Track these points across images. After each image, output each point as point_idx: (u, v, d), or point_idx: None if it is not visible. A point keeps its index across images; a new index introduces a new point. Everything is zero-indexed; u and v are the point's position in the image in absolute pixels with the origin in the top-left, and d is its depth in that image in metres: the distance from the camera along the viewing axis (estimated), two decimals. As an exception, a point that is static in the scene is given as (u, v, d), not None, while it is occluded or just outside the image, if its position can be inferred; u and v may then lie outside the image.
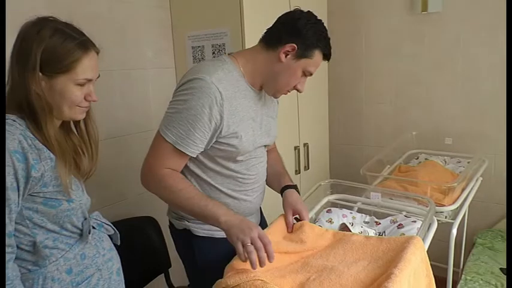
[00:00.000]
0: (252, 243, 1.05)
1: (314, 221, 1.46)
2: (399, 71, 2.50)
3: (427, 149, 2.38)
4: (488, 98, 2.25)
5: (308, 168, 2.39)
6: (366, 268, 1.10)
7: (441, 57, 2.36)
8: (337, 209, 1.52)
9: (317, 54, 1.22)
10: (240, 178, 1.30)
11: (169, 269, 1.89)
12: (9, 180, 0.88)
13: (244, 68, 1.23)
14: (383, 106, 2.59)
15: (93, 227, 1.11)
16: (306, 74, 1.24)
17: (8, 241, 0.90)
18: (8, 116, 0.94)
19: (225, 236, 1.20)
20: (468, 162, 2.09)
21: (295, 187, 1.37)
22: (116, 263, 1.17)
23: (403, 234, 1.30)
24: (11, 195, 0.89)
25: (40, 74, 0.94)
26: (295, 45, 1.18)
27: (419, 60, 2.43)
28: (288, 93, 1.30)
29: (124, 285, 1.21)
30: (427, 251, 1.20)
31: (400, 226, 1.35)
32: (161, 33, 2.09)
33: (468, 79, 2.30)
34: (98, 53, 1.03)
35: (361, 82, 2.61)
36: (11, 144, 0.89)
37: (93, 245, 1.09)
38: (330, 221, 1.43)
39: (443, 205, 1.70)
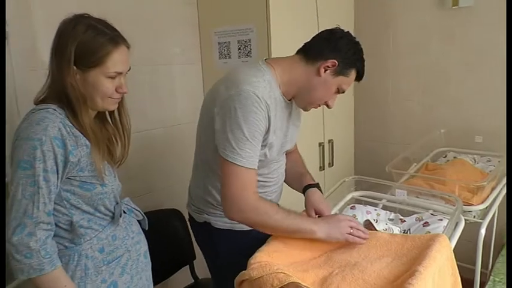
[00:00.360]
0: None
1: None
2: (427, 68, 2.45)
3: (456, 147, 2.32)
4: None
5: (332, 165, 2.38)
6: (390, 265, 1.09)
7: (471, 54, 2.29)
8: (361, 205, 1.51)
9: (353, 73, 1.26)
10: (262, 182, 1.32)
11: (193, 261, 1.93)
12: (50, 164, 0.96)
13: (280, 78, 1.23)
14: (410, 103, 2.54)
15: (124, 212, 1.18)
16: (339, 91, 1.27)
17: (47, 219, 0.98)
18: (49, 105, 1.02)
19: (245, 229, 1.26)
20: (499, 161, 2.03)
21: (317, 186, 1.39)
22: (144, 246, 1.24)
23: (429, 232, 1.28)
24: (51, 177, 0.97)
25: (74, 67, 1.00)
26: (336, 62, 1.20)
27: (448, 57, 2.36)
28: (318, 107, 1.33)
29: (151, 268, 1.28)
30: (454, 251, 1.18)
31: (425, 224, 1.33)
32: (188, 30, 2.12)
33: (499, 76, 2.23)
34: (128, 47, 1.08)
35: (388, 78, 2.57)
36: (51, 131, 0.97)
37: (124, 227, 1.16)
38: (354, 218, 1.42)
39: (472, 204, 1.66)
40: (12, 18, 1.38)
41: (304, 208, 1.34)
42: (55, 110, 1.01)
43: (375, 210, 1.49)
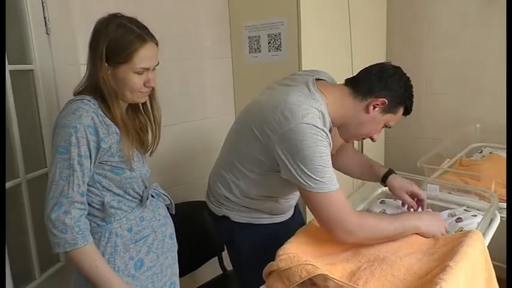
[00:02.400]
0: None
1: (367, 211, 1.45)
2: (463, 60, 2.37)
3: (492, 142, 2.24)
4: None
5: (362, 160, 2.35)
6: (420, 260, 1.08)
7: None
8: (391, 200, 1.50)
9: (401, 110, 1.26)
10: (288, 191, 1.36)
11: (222, 253, 1.97)
12: (83, 149, 1.06)
13: (330, 107, 1.21)
14: (444, 97, 2.47)
15: (152, 196, 1.26)
16: (386, 126, 1.28)
17: (81, 199, 1.08)
18: (84, 97, 1.11)
19: (262, 222, 1.33)
20: (539, 157, 1.94)
21: (393, 172, 1.43)
22: (170, 229, 1.32)
23: (462, 228, 1.25)
24: (84, 161, 1.07)
25: (106, 64, 1.09)
26: (386, 101, 1.20)
27: (485, 48, 2.28)
28: (361, 140, 1.33)
29: (176, 250, 1.36)
30: (490, 250, 1.15)
31: (458, 220, 1.30)
32: (219, 24, 2.14)
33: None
34: (157, 44, 1.15)
35: (422, 71, 2.50)
36: (85, 120, 1.06)
37: (151, 210, 1.25)
38: (384, 212, 1.41)
39: (508, 201, 1.60)
40: (53, 16, 1.45)
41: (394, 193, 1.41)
42: (89, 101, 1.10)
43: (405, 205, 1.46)
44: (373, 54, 2.35)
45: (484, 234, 1.18)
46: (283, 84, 1.28)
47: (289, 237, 1.19)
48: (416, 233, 1.19)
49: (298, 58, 1.92)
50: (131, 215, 1.19)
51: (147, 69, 1.13)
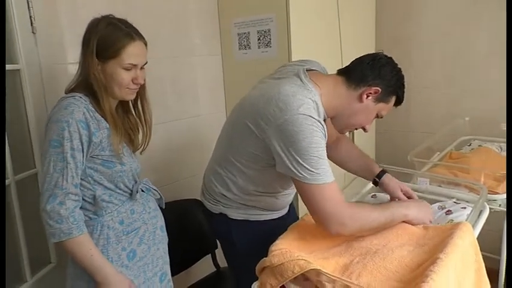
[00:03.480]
0: None
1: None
2: (451, 56, 2.39)
3: (480, 135, 2.27)
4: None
5: (353, 155, 2.36)
6: (411, 253, 1.09)
7: (497, 40, 2.22)
8: (382, 194, 1.51)
9: (393, 100, 1.28)
10: (286, 185, 1.35)
11: (215, 250, 1.97)
12: (76, 143, 1.10)
13: (324, 98, 1.21)
14: (433, 91, 2.49)
15: (142, 190, 1.32)
16: (378, 116, 1.29)
17: (75, 190, 1.12)
18: (75, 94, 1.16)
19: (260, 219, 1.33)
20: (526, 149, 1.97)
21: (386, 171, 1.45)
22: (160, 221, 1.38)
23: (452, 220, 1.27)
24: (77, 155, 1.11)
25: (96, 59, 1.15)
26: (380, 89, 1.21)
27: (473, 42, 2.30)
28: (355, 130, 1.36)
29: (167, 242, 1.41)
30: (479, 241, 1.16)
31: (448, 212, 1.32)
32: (208, 21, 2.13)
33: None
34: (145, 43, 1.20)
35: (411, 66, 2.52)
36: (77, 114, 1.11)
37: (141, 203, 1.30)
38: (375, 206, 1.42)
39: (497, 193, 1.62)
40: (39, 15, 1.43)
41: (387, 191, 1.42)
42: (80, 97, 1.15)
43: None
44: (363, 49, 2.34)
45: (473, 226, 1.19)
46: (275, 78, 1.28)
47: (285, 233, 1.19)
48: (404, 221, 1.22)
49: (288, 54, 1.92)
50: (122, 208, 1.24)
51: (135, 65, 1.17)
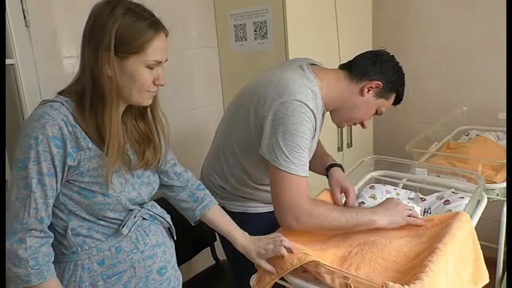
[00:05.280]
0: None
1: (357, 197, 1.46)
2: (449, 44, 2.38)
3: (478, 124, 2.26)
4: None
5: (351, 146, 2.36)
6: (410, 243, 1.09)
7: (494, 29, 2.21)
8: (380, 185, 1.51)
9: (393, 97, 1.28)
10: None
11: (214, 243, 1.97)
12: (46, 166, 0.87)
13: (324, 90, 1.22)
14: (431, 81, 2.49)
15: (144, 218, 1.04)
16: (377, 112, 1.30)
17: (39, 226, 0.89)
18: (57, 99, 0.92)
19: (258, 211, 1.32)
20: (524, 138, 1.97)
21: (340, 166, 1.39)
22: (159, 262, 1.06)
23: (450, 210, 1.27)
24: (47, 180, 0.88)
25: (114, 55, 0.90)
26: (381, 84, 1.22)
27: (471, 32, 2.29)
28: (353, 126, 1.35)
29: (172, 284, 1.11)
30: (478, 230, 1.16)
31: (446, 202, 1.32)
32: (204, 13, 2.11)
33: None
34: (167, 35, 0.98)
35: (409, 56, 2.50)
36: (50, 129, 0.87)
37: (133, 239, 1.01)
38: (373, 197, 1.42)
39: (495, 182, 1.63)
40: (32, 8, 1.41)
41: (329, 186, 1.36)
42: (62, 104, 0.91)
43: (395, 189, 1.48)
44: (360, 40, 2.35)
45: (471, 216, 1.20)
46: (277, 68, 1.29)
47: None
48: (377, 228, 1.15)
49: (285, 45, 1.91)
50: (104, 244, 0.97)
51: (159, 63, 0.96)
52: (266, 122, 1.13)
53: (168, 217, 1.11)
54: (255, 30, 2.01)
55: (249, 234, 1.22)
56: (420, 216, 1.23)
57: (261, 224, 1.29)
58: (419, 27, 2.47)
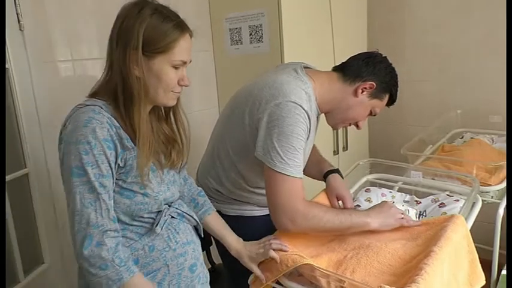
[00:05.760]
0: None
1: (353, 200, 1.46)
2: (443, 47, 2.40)
3: (473, 127, 2.28)
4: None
5: (347, 149, 2.37)
6: (405, 246, 1.10)
7: (489, 31, 2.23)
8: (375, 188, 1.51)
9: (386, 98, 1.29)
10: None
11: (210, 247, 1.96)
12: (104, 168, 0.89)
13: (318, 92, 1.23)
14: (425, 84, 2.50)
15: (172, 217, 1.05)
16: (371, 113, 1.30)
17: (113, 226, 0.91)
18: (95, 102, 0.94)
19: (254, 215, 1.32)
20: (518, 141, 1.99)
21: (337, 171, 1.40)
22: (190, 259, 1.07)
23: (445, 213, 1.27)
24: (107, 182, 0.90)
25: (142, 54, 0.93)
26: (375, 84, 1.23)
27: (465, 35, 2.31)
28: (348, 127, 1.36)
29: (202, 280, 1.12)
30: (473, 232, 1.17)
31: (441, 205, 1.32)
32: (199, 17, 2.12)
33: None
34: (191, 36, 1.01)
35: (403, 58, 2.52)
36: (100, 133, 0.89)
37: (165, 237, 1.02)
38: (369, 200, 1.42)
39: (490, 185, 1.64)
40: (26, 12, 1.40)
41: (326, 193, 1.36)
42: (101, 108, 0.93)
43: (390, 192, 1.48)
44: (355, 43, 2.36)
45: (466, 218, 1.20)
46: (272, 71, 1.30)
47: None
48: (371, 231, 1.17)
49: (280, 48, 1.92)
50: (138, 243, 0.99)
51: (184, 63, 0.98)
52: (261, 124, 1.14)
53: (194, 215, 1.12)
54: (251, 34, 2.01)
55: (245, 237, 1.22)
56: (414, 219, 1.23)
57: (257, 227, 1.29)
58: (414, 30, 2.48)
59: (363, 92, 1.24)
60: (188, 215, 1.09)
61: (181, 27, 0.96)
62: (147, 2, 0.96)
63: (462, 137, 2.23)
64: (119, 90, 0.93)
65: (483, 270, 1.15)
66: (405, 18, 2.49)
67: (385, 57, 1.29)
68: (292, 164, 1.12)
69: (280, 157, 1.11)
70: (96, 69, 1.67)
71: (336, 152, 2.29)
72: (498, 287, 1.63)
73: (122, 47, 0.92)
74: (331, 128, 2.30)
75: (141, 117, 0.94)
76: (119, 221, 0.95)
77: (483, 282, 1.12)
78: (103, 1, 1.60)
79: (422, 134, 2.11)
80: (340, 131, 2.29)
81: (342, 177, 1.40)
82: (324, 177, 1.39)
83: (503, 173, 1.70)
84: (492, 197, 1.64)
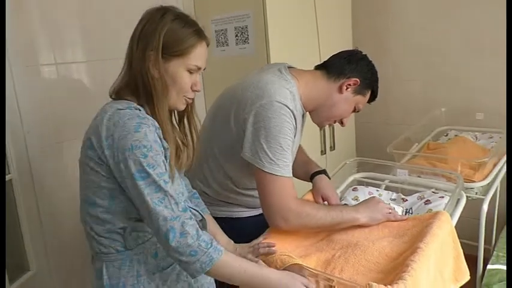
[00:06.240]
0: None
1: (340, 199, 1.47)
2: (427, 47, 2.43)
3: (457, 125, 2.32)
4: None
5: (334, 149, 2.38)
6: (392, 243, 1.11)
7: (471, 31, 2.27)
8: (363, 186, 1.52)
9: (368, 94, 1.31)
10: None
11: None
12: (162, 166, 0.92)
13: (302, 90, 1.24)
14: (410, 83, 2.53)
15: None
16: (355, 109, 1.33)
17: (187, 214, 0.93)
18: (130, 103, 0.96)
19: (242, 216, 1.33)
20: (500, 138, 2.03)
21: (324, 172, 1.41)
22: None
23: (431, 210, 1.29)
24: (166, 178, 0.92)
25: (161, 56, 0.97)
26: (359, 81, 1.25)
27: (448, 35, 2.34)
28: (333, 124, 1.38)
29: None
30: (458, 228, 1.19)
31: (427, 202, 1.34)
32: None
33: (498, 52, 2.21)
34: (208, 44, 1.05)
35: (388, 59, 2.54)
36: (150, 135, 0.91)
37: None
38: (356, 199, 1.43)
39: (474, 181, 1.67)
40: (8, 16, 1.38)
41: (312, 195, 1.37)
42: (140, 110, 0.95)
43: (377, 191, 1.50)
44: (340, 44, 2.35)
45: (451, 215, 1.22)
46: (256, 72, 1.31)
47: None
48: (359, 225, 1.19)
49: (266, 50, 1.92)
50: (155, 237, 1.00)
51: (199, 69, 1.02)
52: (247, 125, 1.14)
53: (199, 210, 1.14)
54: (236, 36, 2.01)
55: (235, 238, 1.22)
56: (400, 215, 1.26)
57: (246, 228, 1.29)
58: (398, 31, 2.51)
59: (347, 88, 1.26)
60: (194, 209, 1.11)
61: (200, 34, 1.01)
62: (169, 8, 1.01)
63: (447, 135, 2.27)
64: (141, 91, 0.97)
65: (468, 265, 1.17)
66: (390, 19, 2.52)
67: (365, 54, 1.32)
68: (282, 164, 1.13)
69: (269, 158, 1.12)
70: (80, 73, 1.65)
71: (323, 152, 2.30)
72: (484, 282, 1.66)
73: (142, 48, 0.96)
74: (318, 128, 2.32)
75: (164, 117, 0.97)
76: (137, 216, 0.97)
77: (468, 277, 1.14)
78: (86, 5, 1.59)
79: (408, 133, 2.14)
80: (327, 130, 2.30)
81: (329, 178, 1.41)
82: (311, 178, 1.40)
83: (487, 169, 1.74)
84: (476, 193, 1.67)
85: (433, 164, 1.82)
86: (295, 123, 1.18)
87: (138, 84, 0.97)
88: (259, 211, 1.40)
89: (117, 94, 1.00)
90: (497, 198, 2.10)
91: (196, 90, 1.03)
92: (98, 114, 0.96)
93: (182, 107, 1.04)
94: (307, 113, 1.32)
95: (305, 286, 0.96)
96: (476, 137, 2.15)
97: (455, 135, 2.19)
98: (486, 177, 1.70)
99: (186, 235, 0.90)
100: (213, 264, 0.91)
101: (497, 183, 1.74)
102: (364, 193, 1.46)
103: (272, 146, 1.11)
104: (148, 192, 0.90)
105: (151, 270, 1.01)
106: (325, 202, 1.34)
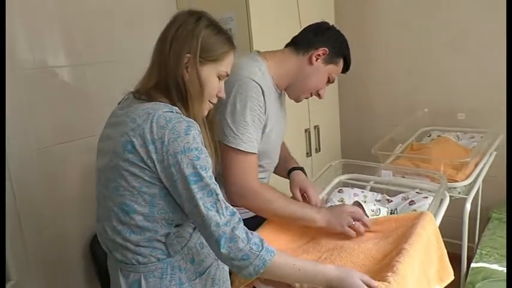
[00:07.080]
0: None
1: (326, 201, 1.48)
2: (410, 49, 2.46)
3: (439, 125, 2.35)
4: (502, 72, 2.20)
5: (319, 151, 2.39)
6: (377, 245, 1.12)
7: (454, 32, 2.31)
8: (348, 188, 1.53)
9: (341, 62, 1.32)
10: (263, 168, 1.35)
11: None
12: (211, 170, 0.92)
13: (273, 70, 1.26)
14: (394, 85, 2.56)
15: None
16: (330, 80, 1.33)
17: (235, 218, 0.92)
18: (171, 106, 0.94)
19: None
20: (481, 137, 2.06)
21: (301, 169, 1.41)
22: None
23: (415, 210, 1.30)
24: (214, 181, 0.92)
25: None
26: (327, 50, 1.26)
27: (430, 37, 2.38)
28: (310, 97, 1.37)
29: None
30: (442, 228, 1.20)
31: (411, 203, 1.35)
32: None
33: (481, 54, 2.25)
34: (235, 52, 1.06)
35: (371, 61, 2.57)
36: (198, 138, 0.90)
37: None
38: (342, 201, 1.44)
39: (456, 181, 1.69)
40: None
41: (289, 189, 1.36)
42: (178, 112, 0.94)
43: (362, 192, 1.51)
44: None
45: (435, 215, 1.24)
46: None
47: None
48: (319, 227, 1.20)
49: (250, 52, 1.91)
50: (191, 242, 1.01)
51: (226, 76, 1.04)
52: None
53: None
54: (220, 39, 2.00)
55: None
56: (367, 218, 1.24)
57: None
58: (381, 34, 2.54)
59: (317, 59, 1.27)
60: None
61: (231, 42, 1.03)
62: (203, 13, 1.02)
63: (430, 135, 2.30)
64: (174, 94, 0.96)
65: (452, 263, 1.18)
66: (373, 21, 2.55)
67: (333, 25, 1.34)
68: (245, 138, 1.15)
69: (233, 132, 1.14)
70: (63, 77, 1.62)
71: (308, 154, 2.31)
72: (468, 280, 1.68)
73: (177, 50, 0.96)
74: (303, 130, 2.33)
75: (201, 120, 0.98)
76: (178, 222, 0.97)
77: (452, 277, 1.16)
78: (66, 6, 1.57)
79: (392, 134, 2.16)
80: (312, 133, 2.31)
81: (306, 175, 1.41)
82: (288, 173, 1.41)
83: (469, 168, 1.77)
84: (459, 193, 1.69)
85: (417, 165, 1.84)
86: (264, 99, 1.19)
87: (169, 86, 0.96)
88: (248, 214, 1.40)
89: (148, 95, 0.97)
90: (479, 197, 2.14)
91: (220, 97, 1.05)
92: (131, 115, 0.92)
93: (206, 112, 1.04)
94: (285, 92, 1.34)
95: (363, 282, 0.93)
96: (458, 137, 2.19)
97: (438, 136, 2.22)
98: (468, 176, 1.73)
99: (237, 239, 0.89)
100: (266, 266, 0.91)
101: (479, 182, 1.77)
102: (349, 194, 1.47)
103: (237, 121, 1.14)
104: (201, 196, 0.89)
105: (191, 277, 1.00)
106: (304, 194, 1.33)
